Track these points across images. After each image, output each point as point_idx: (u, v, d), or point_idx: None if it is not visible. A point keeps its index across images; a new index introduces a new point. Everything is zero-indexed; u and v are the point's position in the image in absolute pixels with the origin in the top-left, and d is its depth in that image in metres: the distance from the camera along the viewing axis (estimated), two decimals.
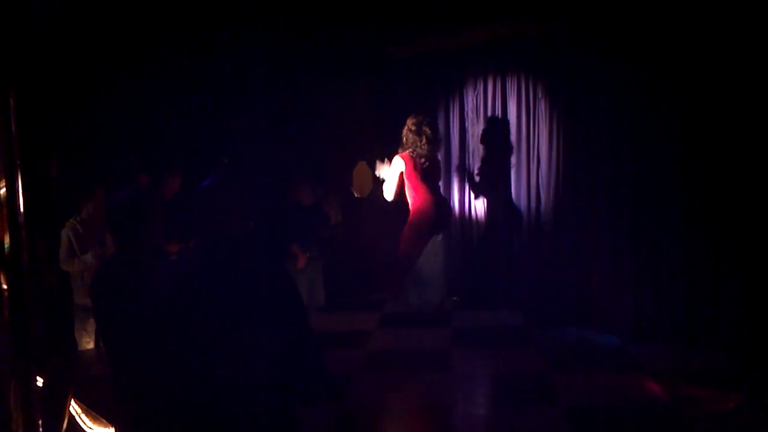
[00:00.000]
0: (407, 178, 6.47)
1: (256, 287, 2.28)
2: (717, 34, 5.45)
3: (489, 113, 7.17)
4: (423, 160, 6.45)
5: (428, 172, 6.51)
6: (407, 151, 6.49)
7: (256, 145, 7.99)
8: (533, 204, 6.91)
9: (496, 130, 7.15)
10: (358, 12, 7.05)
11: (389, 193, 6.57)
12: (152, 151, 7.38)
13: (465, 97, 7.34)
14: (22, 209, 1.74)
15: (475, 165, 7.31)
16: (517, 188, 7.04)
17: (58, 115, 6.61)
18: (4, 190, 1.81)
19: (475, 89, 7.26)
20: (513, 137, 7.03)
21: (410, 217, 6.54)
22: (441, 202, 6.67)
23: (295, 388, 2.29)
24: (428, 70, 7.46)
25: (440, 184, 6.98)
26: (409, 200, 6.53)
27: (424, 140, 6.40)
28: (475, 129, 7.28)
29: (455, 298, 7.27)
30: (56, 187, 6.02)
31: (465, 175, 7.38)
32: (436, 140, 6.55)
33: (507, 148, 7.08)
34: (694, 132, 5.67)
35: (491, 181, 7.20)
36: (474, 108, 7.29)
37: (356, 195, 8.01)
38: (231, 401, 2.22)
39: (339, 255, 7.65)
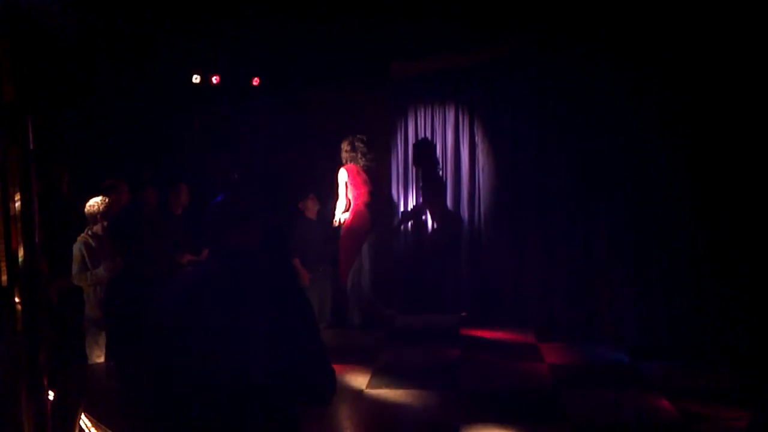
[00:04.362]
0: (350, 185, 7.08)
1: (267, 301, 2.31)
2: (707, 45, 5.53)
3: (506, 129, 7.18)
4: (364, 167, 7.17)
5: (366, 180, 7.12)
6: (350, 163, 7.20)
7: (263, 160, 8.05)
8: (542, 220, 6.90)
9: (503, 145, 7.19)
10: (366, 32, 7.15)
11: (342, 206, 7.13)
12: (159, 164, 7.45)
13: (472, 113, 7.38)
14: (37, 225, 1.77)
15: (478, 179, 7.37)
16: (525, 201, 7.05)
17: (70, 130, 6.68)
18: (19, 203, 1.83)
19: (483, 106, 7.31)
20: (520, 151, 7.05)
21: (347, 220, 7.08)
22: (375, 206, 7.20)
23: (305, 389, 2.35)
24: (434, 87, 7.55)
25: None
26: (351, 203, 7.12)
27: (359, 154, 7.18)
28: (485, 144, 7.31)
29: (463, 313, 7.26)
30: (68, 201, 6.06)
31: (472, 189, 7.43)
32: (370, 150, 7.22)
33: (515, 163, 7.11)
34: (697, 142, 5.69)
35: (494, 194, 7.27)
36: (483, 124, 7.32)
37: None
38: (236, 414, 2.24)
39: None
